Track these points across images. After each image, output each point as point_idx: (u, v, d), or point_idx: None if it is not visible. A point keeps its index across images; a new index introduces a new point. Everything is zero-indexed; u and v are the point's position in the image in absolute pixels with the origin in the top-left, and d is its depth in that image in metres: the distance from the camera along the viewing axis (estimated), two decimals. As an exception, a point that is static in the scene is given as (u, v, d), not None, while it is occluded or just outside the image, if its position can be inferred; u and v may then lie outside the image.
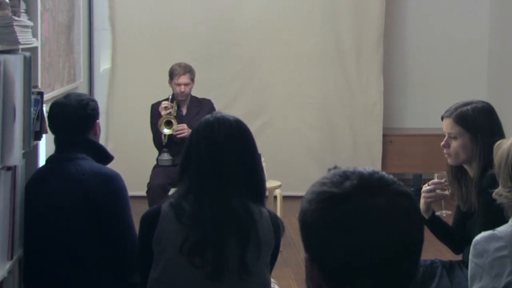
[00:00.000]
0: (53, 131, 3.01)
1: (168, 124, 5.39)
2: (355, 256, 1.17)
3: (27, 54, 2.75)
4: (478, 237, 2.24)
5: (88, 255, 2.84)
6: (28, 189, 2.90)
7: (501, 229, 2.23)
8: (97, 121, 3.03)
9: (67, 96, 3.04)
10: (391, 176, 1.24)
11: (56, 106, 2.99)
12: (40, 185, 2.91)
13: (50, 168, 2.96)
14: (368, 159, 7.04)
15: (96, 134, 3.04)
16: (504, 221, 2.28)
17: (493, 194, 2.33)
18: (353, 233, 1.17)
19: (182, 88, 5.46)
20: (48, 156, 3.06)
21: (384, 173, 1.24)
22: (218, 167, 2.43)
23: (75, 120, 2.95)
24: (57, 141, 3.00)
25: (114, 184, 2.89)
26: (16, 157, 2.55)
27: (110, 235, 2.87)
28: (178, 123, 5.38)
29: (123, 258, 2.88)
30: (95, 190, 2.84)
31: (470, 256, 2.26)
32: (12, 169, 2.67)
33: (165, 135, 5.41)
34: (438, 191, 3.08)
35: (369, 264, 1.17)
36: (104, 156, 3.04)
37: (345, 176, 1.22)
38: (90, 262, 2.84)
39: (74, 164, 2.89)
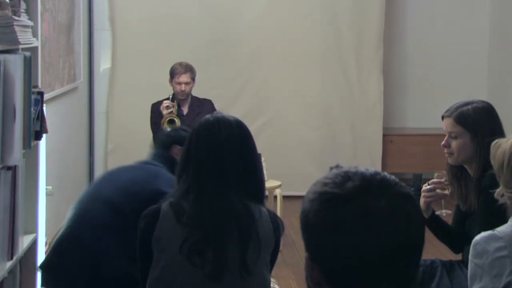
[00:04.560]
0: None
1: (171, 123, 5.39)
2: (355, 257, 1.17)
3: (27, 54, 2.75)
4: (477, 237, 2.24)
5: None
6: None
7: (501, 229, 2.22)
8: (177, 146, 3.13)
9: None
10: (393, 177, 1.23)
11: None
12: (112, 173, 3.18)
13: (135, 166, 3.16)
14: (368, 159, 7.03)
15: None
16: (504, 221, 2.28)
17: (495, 195, 2.32)
18: (354, 235, 1.16)
19: (183, 87, 5.47)
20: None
21: (386, 174, 1.23)
22: (218, 167, 2.43)
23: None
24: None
25: None
26: (16, 157, 2.55)
27: None
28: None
29: None
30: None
31: (470, 257, 2.25)
32: (12, 169, 2.67)
33: (168, 134, 5.41)
34: (438, 190, 3.08)
35: (370, 265, 1.17)
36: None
37: (347, 176, 1.21)
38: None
39: (142, 168, 3.09)
